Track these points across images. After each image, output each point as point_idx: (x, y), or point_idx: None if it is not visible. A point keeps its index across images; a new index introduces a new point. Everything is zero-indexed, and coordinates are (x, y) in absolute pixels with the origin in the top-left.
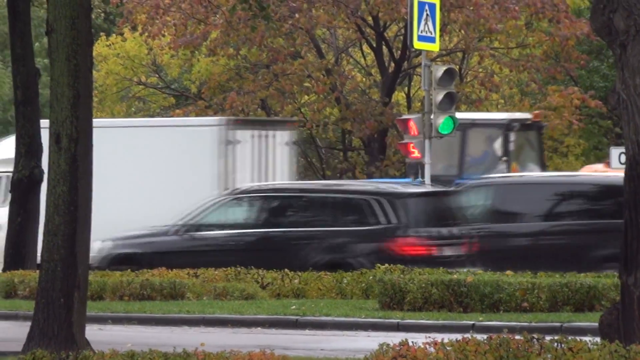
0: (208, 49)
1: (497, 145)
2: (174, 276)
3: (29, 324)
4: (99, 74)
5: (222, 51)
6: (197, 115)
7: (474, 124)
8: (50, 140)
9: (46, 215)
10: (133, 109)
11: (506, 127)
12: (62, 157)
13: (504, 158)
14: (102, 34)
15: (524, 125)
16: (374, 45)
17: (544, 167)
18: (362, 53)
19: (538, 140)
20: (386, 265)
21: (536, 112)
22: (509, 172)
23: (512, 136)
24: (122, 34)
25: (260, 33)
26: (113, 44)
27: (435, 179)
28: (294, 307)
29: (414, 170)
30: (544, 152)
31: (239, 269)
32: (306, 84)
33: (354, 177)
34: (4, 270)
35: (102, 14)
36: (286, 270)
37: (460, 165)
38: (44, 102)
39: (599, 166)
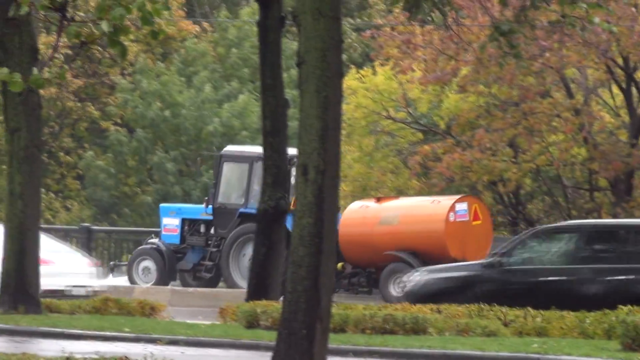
0: (458, 85)
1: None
2: (417, 311)
3: (270, 354)
4: (348, 106)
5: (472, 88)
6: (444, 152)
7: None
8: (297, 171)
9: (291, 246)
10: (381, 142)
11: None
12: (308, 188)
13: None
14: (352, 66)
15: None
16: (624, 86)
17: None
18: (611, 94)
19: None
20: (629, 306)
21: None
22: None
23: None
24: (373, 68)
25: (511, 71)
26: (363, 77)
27: (222, 207)
28: (535, 345)
29: None
30: None
31: (482, 305)
32: (554, 124)
33: (600, 218)
34: (247, 300)
35: (358, 48)
36: (529, 308)
37: (247, 195)
38: (291, 133)
39: None
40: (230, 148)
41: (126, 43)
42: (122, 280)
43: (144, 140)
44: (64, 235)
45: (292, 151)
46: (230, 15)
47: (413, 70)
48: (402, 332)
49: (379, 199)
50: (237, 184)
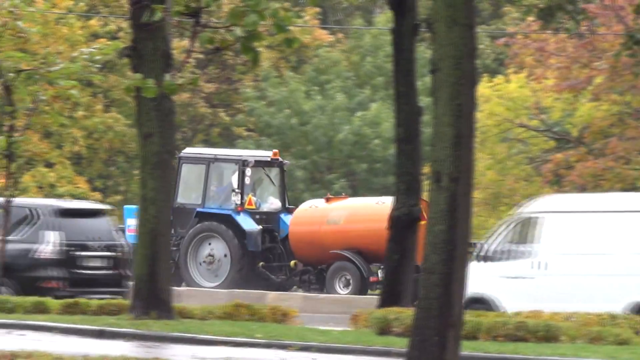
0: (592, 93)
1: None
2: (549, 319)
3: None
4: (480, 114)
5: (606, 96)
6: (577, 160)
7: (215, 159)
8: (431, 178)
9: (424, 253)
10: (514, 150)
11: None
12: (441, 196)
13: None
14: (485, 75)
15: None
16: None
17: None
18: None
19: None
20: None
21: (275, 150)
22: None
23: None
24: (506, 75)
25: None
26: (496, 84)
27: (181, 207)
28: None
29: None
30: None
31: (614, 314)
32: None
33: None
34: (379, 306)
35: (492, 54)
36: None
37: (204, 195)
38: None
39: None
40: (188, 150)
41: (259, 50)
42: None
43: (271, 148)
44: None
45: None
46: (364, 23)
47: (546, 78)
48: (534, 339)
49: (328, 199)
50: (195, 184)
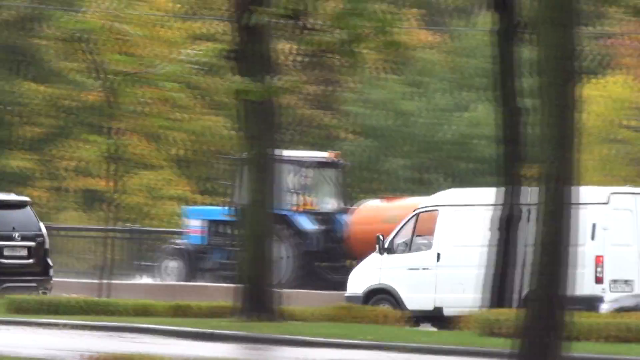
0: None
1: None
2: None
3: None
4: (584, 115)
5: None
6: None
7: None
8: (538, 180)
9: (533, 254)
10: (613, 151)
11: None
12: (548, 196)
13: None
14: (588, 75)
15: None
16: None
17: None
18: None
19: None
20: None
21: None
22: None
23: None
24: (608, 76)
25: None
26: (598, 85)
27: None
28: None
29: None
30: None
31: None
32: None
33: None
34: (484, 307)
35: (594, 55)
36: None
37: None
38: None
39: None
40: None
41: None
42: None
43: (373, 149)
44: None
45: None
46: (467, 24)
47: None
48: (636, 340)
49: (386, 199)
50: None
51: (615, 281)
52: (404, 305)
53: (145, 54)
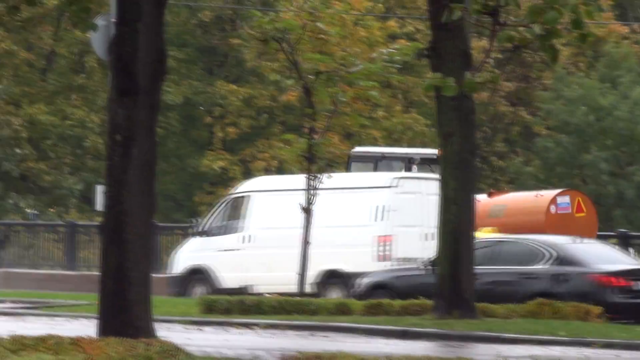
0: None
1: None
2: None
3: None
4: None
5: None
6: None
7: (383, 156)
8: None
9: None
10: None
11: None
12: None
13: None
14: None
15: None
16: None
17: None
18: None
19: None
20: None
21: None
22: None
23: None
24: None
25: None
26: None
27: None
28: None
29: None
30: None
31: None
32: None
33: None
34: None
35: None
36: None
37: None
38: None
39: None
40: (357, 149)
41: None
42: None
43: (570, 146)
44: None
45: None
46: None
47: None
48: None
49: (490, 194)
50: None
51: (400, 259)
52: (218, 283)
53: (341, 53)
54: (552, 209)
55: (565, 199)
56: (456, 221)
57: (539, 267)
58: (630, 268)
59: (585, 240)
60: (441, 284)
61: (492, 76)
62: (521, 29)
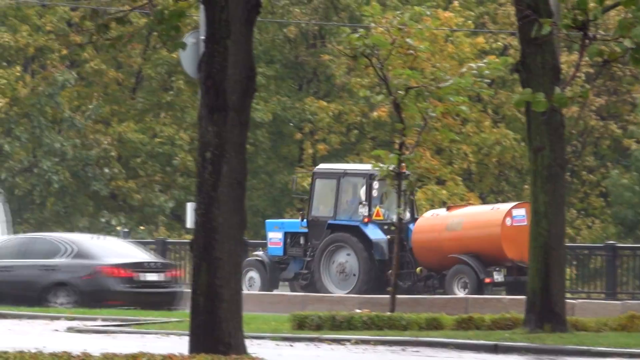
0: None
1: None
2: None
3: None
4: None
5: None
6: None
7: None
8: None
9: None
10: None
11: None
12: None
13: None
14: None
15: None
16: None
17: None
18: None
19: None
20: None
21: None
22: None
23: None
24: None
25: None
26: None
27: (315, 220)
28: None
29: None
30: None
31: None
32: None
33: None
34: None
35: None
36: None
37: (335, 208)
38: None
39: None
40: (321, 166)
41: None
42: None
43: None
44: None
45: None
46: None
47: None
48: None
49: (449, 208)
50: (328, 198)
51: None
52: None
53: (431, 68)
54: (508, 221)
55: (521, 212)
56: (547, 235)
57: (60, 260)
58: (134, 261)
59: (105, 238)
60: (532, 298)
61: (582, 91)
62: (611, 43)
